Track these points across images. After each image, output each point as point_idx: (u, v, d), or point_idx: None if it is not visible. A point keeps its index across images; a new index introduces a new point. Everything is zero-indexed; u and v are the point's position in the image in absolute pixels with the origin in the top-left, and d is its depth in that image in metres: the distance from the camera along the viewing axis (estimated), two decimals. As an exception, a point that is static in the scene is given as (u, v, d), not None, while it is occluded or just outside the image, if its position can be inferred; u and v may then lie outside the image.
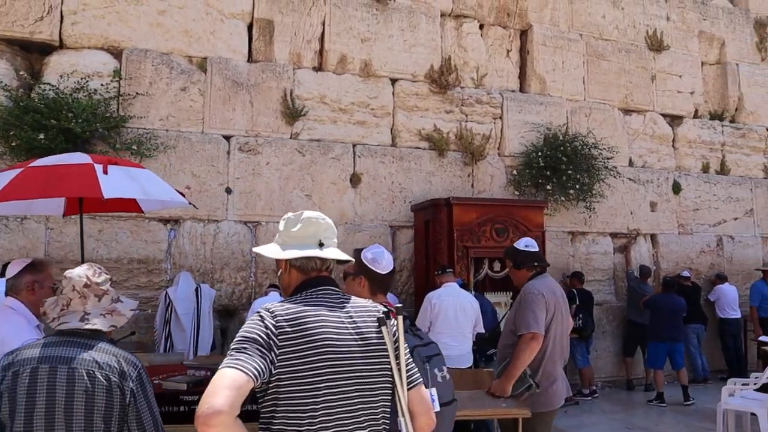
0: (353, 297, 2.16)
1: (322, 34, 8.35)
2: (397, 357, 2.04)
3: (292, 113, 7.99)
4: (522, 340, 3.85)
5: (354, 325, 2.01)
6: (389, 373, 2.03)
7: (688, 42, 10.51)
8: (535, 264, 4.02)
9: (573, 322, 8.21)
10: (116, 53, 7.53)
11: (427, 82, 8.67)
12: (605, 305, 9.32)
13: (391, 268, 3.03)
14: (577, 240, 9.28)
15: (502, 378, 3.87)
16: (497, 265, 7.51)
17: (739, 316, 9.52)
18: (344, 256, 2.20)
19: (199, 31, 7.87)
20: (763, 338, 7.98)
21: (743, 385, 6.70)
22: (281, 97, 8.00)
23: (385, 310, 2.12)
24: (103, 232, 7.11)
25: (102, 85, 7.15)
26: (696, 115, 10.48)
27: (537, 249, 4.15)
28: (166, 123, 7.58)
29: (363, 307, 2.11)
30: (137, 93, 7.40)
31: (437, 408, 2.49)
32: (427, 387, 2.34)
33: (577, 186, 8.60)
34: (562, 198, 8.61)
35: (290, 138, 8.03)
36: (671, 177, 10.01)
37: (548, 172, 8.56)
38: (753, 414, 6.12)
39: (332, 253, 2.16)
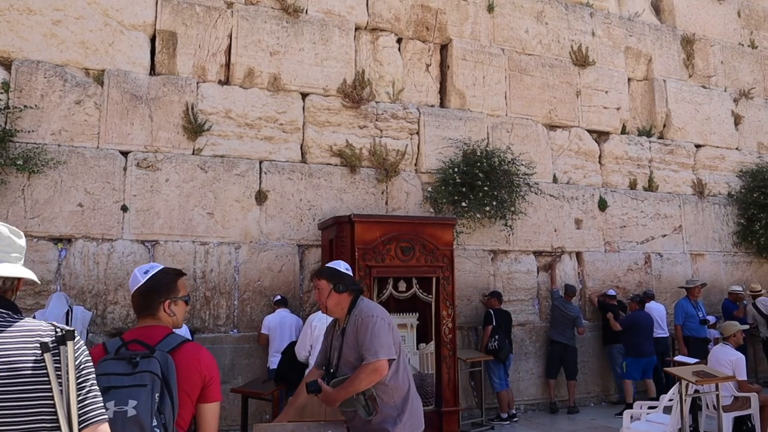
0: (25, 320, 1.84)
1: (229, 47, 8.09)
2: (63, 389, 1.72)
3: (195, 128, 7.69)
4: (364, 368, 3.55)
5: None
6: (49, 410, 1.71)
7: (614, 58, 10.42)
8: (355, 288, 3.74)
9: (488, 343, 8.07)
10: (6, 64, 7.20)
11: (340, 96, 8.43)
12: (528, 325, 9.08)
13: None
14: (499, 258, 9.05)
15: (337, 390, 3.56)
16: (402, 285, 7.22)
17: (666, 335, 9.33)
18: (22, 273, 1.89)
19: (97, 43, 7.56)
20: (680, 358, 7.79)
21: (650, 408, 6.47)
22: (183, 111, 7.70)
23: (58, 333, 1.79)
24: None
25: (-15, 98, 6.80)
26: (623, 131, 10.37)
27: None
28: (59, 137, 7.23)
29: (27, 331, 1.79)
30: (26, 106, 7.05)
31: None
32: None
33: (495, 203, 8.37)
34: (478, 215, 8.37)
35: (192, 154, 7.72)
36: (597, 193, 9.86)
37: (464, 189, 8.34)
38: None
39: (4, 269, 1.85)
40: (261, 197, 7.92)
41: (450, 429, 7.13)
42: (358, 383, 3.50)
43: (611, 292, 9.37)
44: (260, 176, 7.96)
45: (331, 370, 3.74)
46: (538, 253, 9.35)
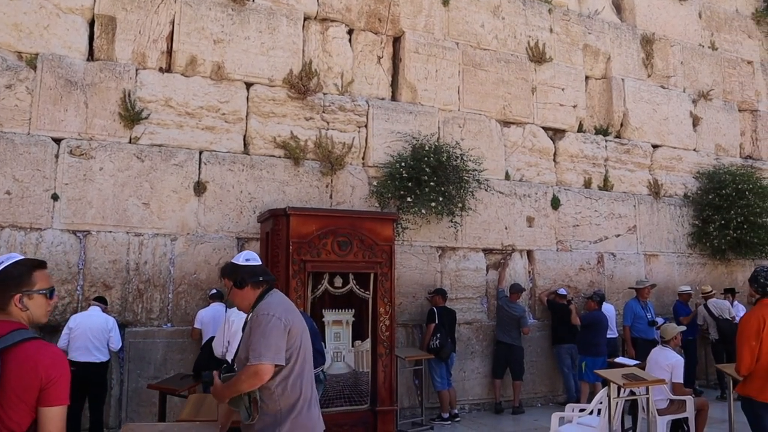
0: None
1: (171, 33, 7.87)
2: None
3: (132, 116, 7.46)
4: (246, 369, 3.35)
5: None
6: None
7: (572, 55, 10.32)
8: (261, 280, 3.52)
9: (429, 341, 7.93)
10: (-68, 46, 6.94)
11: (286, 87, 8.24)
12: (475, 324, 8.96)
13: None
14: (447, 255, 8.91)
15: (223, 387, 3.38)
16: (338, 281, 7.06)
17: (615, 336, 9.25)
18: None
19: (31, 26, 7.31)
20: (621, 359, 7.69)
21: (581, 411, 6.37)
22: (120, 98, 7.47)
23: None
24: None
25: None
26: (580, 129, 10.28)
27: (260, 262, 3.63)
28: (-13, 122, 6.98)
29: None
30: (-49, 89, 6.80)
31: None
32: None
33: (441, 199, 8.23)
34: (424, 211, 8.22)
35: (129, 142, 7.50)
36: (551, 191, 9.75)
37: (410, 184, 8.19)
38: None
39: None
40: (200, 188, 7.71)
41: (385, 429, 6.99)
42: (239, 384, 3.32)
43: (562, 291, 9.28)
44: (200, 167, 7.76)
45: (234, 365, 3.57)
46: (487, 251, 9.22)
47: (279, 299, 3.56)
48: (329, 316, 7.03)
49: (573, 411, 6.24)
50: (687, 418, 6.51)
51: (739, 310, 10.17)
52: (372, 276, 7.14)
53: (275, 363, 3.24)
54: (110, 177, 7.34)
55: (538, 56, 9.90)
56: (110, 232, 7.31)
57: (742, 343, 4.74)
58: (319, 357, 5.92)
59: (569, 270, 9.73)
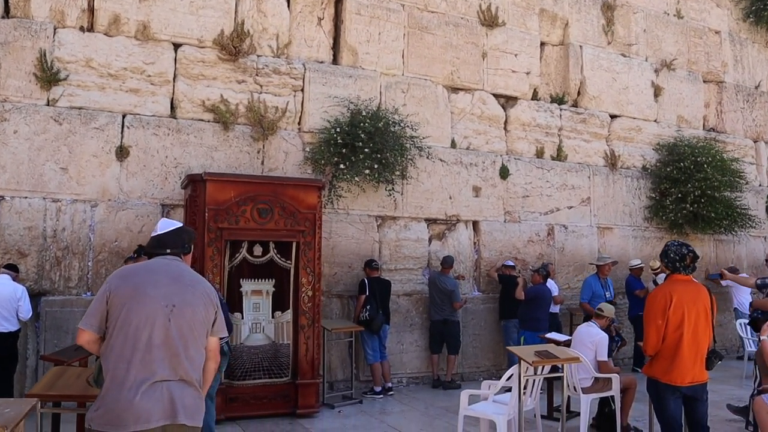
0: None
1: (93, -11, 7.51)
2: None
3: (49, 77, 7.14)
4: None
5: None
6: None
7: (527, 20, 9.95)
8: (140, 250, 3.32)
9: (360, 313, 7.70)
10: None
11: (217, 48, 7.90)
12: (415, 296, 8.73)
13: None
14: (387, 225, 8.66)
15: None
16: (258, 249, 6.82)
17: (556, 311, 9.02)
18: None
19: (-59, -21, 6.96)
20: (552, 335, 7.49)
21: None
22: (36, 59, 7.14)
23: None
24: None
25: None
26: (535, 97, 9.95)
27: (168, 229, 3.32)
28: None
29: None
30: None
31: None
32: None
33: (377, 166, 7.94)
34: (357, 178, 7.94)
35: (47, 105, 7.19)
36: (499, 161, 9.46)
37: (345, 150, 7.90)
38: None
39: None
40: (122, 153, 7.42)
41: (306, 402, 6.81)
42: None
43: (509, 263, 9.04)
44: (122, 131, 7.45)
45: None
46: (431, 221, 8.97)
47: (131, 267, 3.28)
48: (247, 285, 6.79)
49: (489, 388, 6.02)
50: (613, 396, 6.30)
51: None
52: (294, 245, 6.89)
53: (83, 327, 3.00)
54: (25, 140, 7.04)
55: (489, 20, 9.53)
56: (25, 197, 7.03)
57: (648, 321, 4.51)
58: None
59: (517, 242, 9.48)
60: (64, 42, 7.30)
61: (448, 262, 8.40)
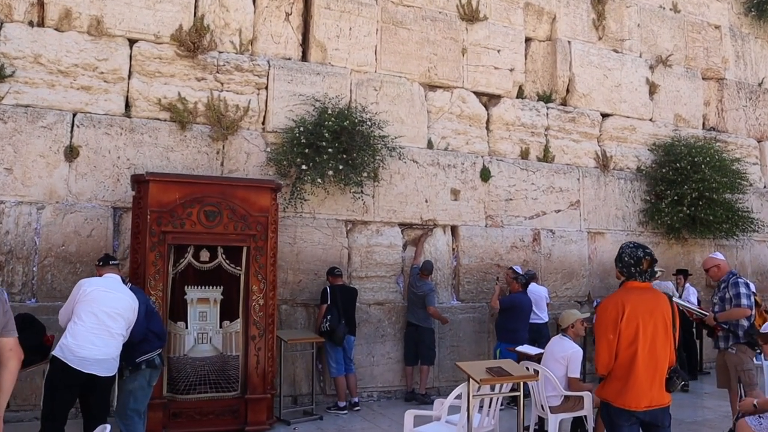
0: None
1: (43, -17, 7.18)
2: None
3: (-7, 73, 6.81)
4: None
5: None
6: None
7: (510, 14, 9.46)
8: None
9: (321, 323, 7.26)
10: None
11: (175, 44, 7.52)
12: (387, 305, 8.25)
13: None
14: (357, 230, 8.20)
15: None
16: (205, 255, 6.40)
17: (544, 320, 8.47)
18: None
19: None
20: (524, 348, 6.97)
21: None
22: (-20, 54, 6.82)
23: None
24: None
25: None
26: (520, 96, 9.45)
27: None
28: None
29: None
30: None
31: None
32: None
33: (341, 167, 7.50)
34: (320, 180, 7.50)
35: (-9, 102, 6.85)
36: (480, 162, 8.97)
37: (307, 151, 7.47)
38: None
39: None
40: (71, 153, 7.05)
41: (257, 418, 6.36)
42: None
43: (517, 268, 8.45)
44: (72, 129, 7.09)
45: None
46: (405, 226, 8.49)
47: None
48: (192, 293, 6.37)
49: (442, 406, 5.51)
50: (586, 416, 5.77)
51: (689, 294, 9.38)
52: (245, 250, 6.47)
53: None
54: (-33, 139, 6.72)
55: (470, 14, 9.06)
56: (-34, 199, 6.69)
57: (599, 336, 3.96)
58: (155, 339, 5.32)
59: (499, 248, 8.97)
60: (10, 37, 6.96)
61: (428, 267, 7.91)
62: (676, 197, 9.68)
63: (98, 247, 7.03)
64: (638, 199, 10.08)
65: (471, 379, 4.79)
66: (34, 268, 6.88)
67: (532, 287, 8.33)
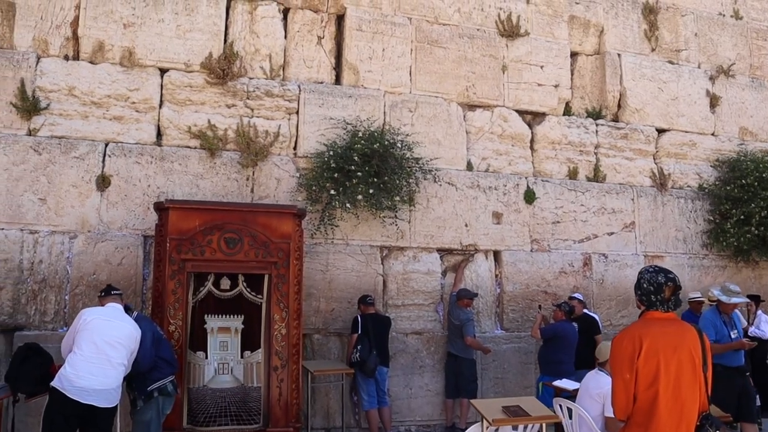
0: None
1: (77, 18, 7.34)
2: None
3: (28, 107, 6.97)
4: None
5: None
6: None
7: (554, 28, 9.05)
8: None
9: (351, 354, 6.97)
10: None
11: (205, 72, 7.53)
12: (426, 334, 7.88)
13: None
14: (393, 256, 7.90)
15: None
16: (226, 283, 6.24)
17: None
18: None
19: (-71, 15, 6.98)
20: (561, 383, 6.43)
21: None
22: (18, 88, 6.99)
23: None
24: None
25: None
26: (567, 113, 8.99)
27: None
28: None
29: None
30: None
31: None
32: None
33: (372, 191, 7.25)
34: (348, 205, 7.26)
35: (28, 134, 7.00)
36: (524, 183, 8.53)
37: (337, 175, 7.27)
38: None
39: None
40: (103, 182, 7.11)
41: (280, 452, 6.09)
42: None
43: (578, 295, 7.94)
44: (104, 159, 7.16)
45: None
46: (444, 251, 8.13)
47: None
48: (213, 322, 6.20)
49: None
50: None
51: (761, 321, 8.56)
52: (266, 278, 6.28)
53: None
54: (4, 171, 6.86)
55: (510, 30, 8.72)
56: (2, 229, 6.81)
57: (614, 375, 3.45)
58: (166, 366, 5.19)
59: (546, 273, 8.46)
60: (46, 71, 7.13)
61: (463, 294, 7.50)
62: (743, 216, 8.92)
63: (128, 276, 7.03)
64: (701, 219, 9.35)
65: (484, 420, 4.37)
66: (66, 297, 6.92)
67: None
